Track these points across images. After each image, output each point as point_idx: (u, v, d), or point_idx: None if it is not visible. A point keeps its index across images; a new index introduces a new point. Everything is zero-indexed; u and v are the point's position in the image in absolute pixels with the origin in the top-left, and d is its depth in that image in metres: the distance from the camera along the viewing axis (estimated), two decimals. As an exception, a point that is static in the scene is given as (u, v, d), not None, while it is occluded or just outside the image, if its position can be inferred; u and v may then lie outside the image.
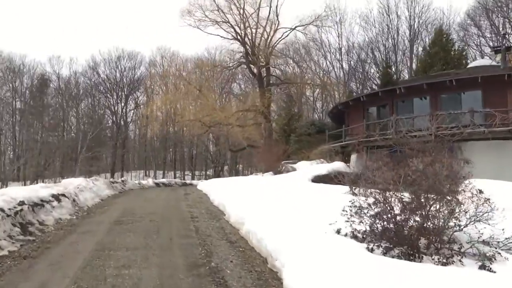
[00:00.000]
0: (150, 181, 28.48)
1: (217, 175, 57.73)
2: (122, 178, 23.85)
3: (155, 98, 47.39)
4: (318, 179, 19.66)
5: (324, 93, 43.46)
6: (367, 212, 7.18)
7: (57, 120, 60.86)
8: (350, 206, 7.44)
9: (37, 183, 54.60)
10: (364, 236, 7.13)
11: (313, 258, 5.81)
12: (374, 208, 6.96)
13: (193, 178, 64.58)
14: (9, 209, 8.84)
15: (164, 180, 32.01)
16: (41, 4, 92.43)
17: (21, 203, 9.56)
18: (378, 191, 7.47)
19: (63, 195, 12.36)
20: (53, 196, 11.65)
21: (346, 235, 7.18)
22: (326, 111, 48.10)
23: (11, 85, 58.57)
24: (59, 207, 11.26)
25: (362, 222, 7.19)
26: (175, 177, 66.24)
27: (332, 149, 22.55)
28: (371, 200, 7.51)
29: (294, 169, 22.07)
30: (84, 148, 53.55)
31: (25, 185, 52.22)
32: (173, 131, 65.59)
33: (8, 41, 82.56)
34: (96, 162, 60.89)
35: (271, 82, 29.91)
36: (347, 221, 7.25)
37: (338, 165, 20.46)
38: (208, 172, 65.46)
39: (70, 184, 15.08)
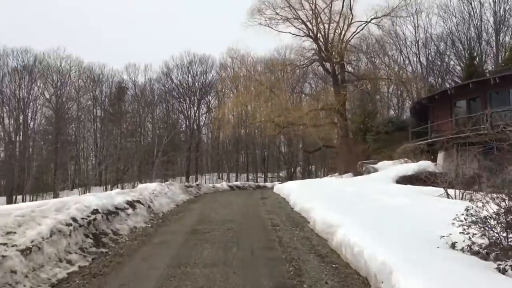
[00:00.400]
0: (224, 184, 28.03)
1: (290, 176, 56.75)
2: (197, 182, 23.51)
3: (226, 101, 47.22)
4: (403, 180, 18.09)
5: (399, 89, 41.02)
6: (492, 222, 5.87)
7: (134, 126, 62.90)
8: (465, 215, 6.15)
9: (117, 187, 56.68)
10: (488, 251, 5.80)
11: (432, 283, 4.56)
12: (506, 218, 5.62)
13: (265, 180, 64.06)
14: (82, 218, 8.35)
15: (237, 183, 31.50)
16: (117, 16, 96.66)
17: (95, 211, 9.07)
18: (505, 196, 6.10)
19: (138, 201, 11.89)
20: (128, 203, 11.19)
21: (463, 249, 5.88)
22: (402, 108, 45.60)
23: (91, 94, 61.29)
24: (134, 214, 10.75)
25: (486, 235, 5.88)
26: (248, 180, 65.98)
27: (417, 147, 20.71)
28: (493, 206, 6.16)
29: (375, 170, 20.51)
30: (160, 153, 54.74)
31: (105, 189, 54.31)
32: (245, 133, 65.48)
33: (88, 52, 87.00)
34: (171, 166, 62.16)
35: (345, 78, 28.41)
36: (463, 233, 5.98)
37: (425, 165, 18.67)
38: (280, 174, 64.70)
39: (145, 189, 14.71)
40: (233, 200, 15.28)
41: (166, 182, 18.27)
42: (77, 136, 58.76)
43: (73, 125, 58.43)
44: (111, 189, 55.19)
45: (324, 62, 28.07)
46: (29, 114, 52.43)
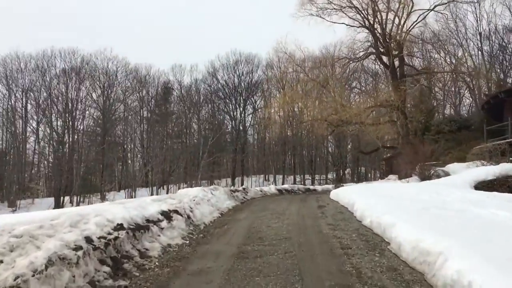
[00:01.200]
0: (272, 188, 25.96)
1: (339, 179, 53.95)
2: (243, 186, 21.57)
3: (272, 101, 45.18)
4: (483, 186, 15.47)
5: (456, 85, 37.52)
6: None
7: (180, 127, 62.01)
8: None
9: (163, 188, 55.81)
10: None
11: None
12: None
13: (313, 183, 61.57)
14: (100, 237, 6.48)
15: (286, 186, 29.36)
16: (163, 16, 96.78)
17: (119, 226, 7.20)
18: None
19: (176, 211, 10.00)
20: (163, 213, 9.31)
21: None
22: (459, 105, 41.91)
23: (138, 94, 60.92)
24: (169, 228, 8.84)
25: None
26: (295, 182, 63.78)
27: (496, 148, 17.83)
28: None
29: (446, 174, 17.82)
30: (206, 154, 53.38)
31: (152, 191, 53.61)
32: (292, 134, 63.26)
33: (134, 53, 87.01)
34: (217, 168, 60.86)
35: (405, 73, 25.63)
36: None
37: (508, 168, 15.89)
38: (328, 176, 61.98)
39: (186, 195, 12.84)
40: (285, 208, 13.11)
41: (210, 187, 16.38)
42: (124, 137, 58.47)
43: (120, 126, 58.13)
44: (157, 191, 54.42)
45: (381, 55, 25.42)
46: (77, 115, 52.41)
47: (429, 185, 14.56)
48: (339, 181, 52.16)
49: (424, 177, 17.51)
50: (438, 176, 17.70)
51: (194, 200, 12.07)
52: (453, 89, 43.46)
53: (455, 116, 35.06)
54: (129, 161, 58.45)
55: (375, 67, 38.59)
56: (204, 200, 12.77)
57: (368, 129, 22.88)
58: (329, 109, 23.67)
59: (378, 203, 10.26)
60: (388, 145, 24.32)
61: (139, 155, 61.49)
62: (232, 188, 19.21)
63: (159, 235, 8.23)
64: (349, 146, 60.54)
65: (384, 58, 25.67)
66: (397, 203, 10.15)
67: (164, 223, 8.79)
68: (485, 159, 18.03)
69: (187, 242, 8.51)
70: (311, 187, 33.16)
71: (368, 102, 24.07)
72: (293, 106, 29.00)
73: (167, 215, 9.40)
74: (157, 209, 9.39)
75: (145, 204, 9.60)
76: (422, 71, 25.48)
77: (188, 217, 10.41)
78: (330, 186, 34.75)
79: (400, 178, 23.84)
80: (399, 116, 22.43)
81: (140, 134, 61.59)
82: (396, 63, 25.41)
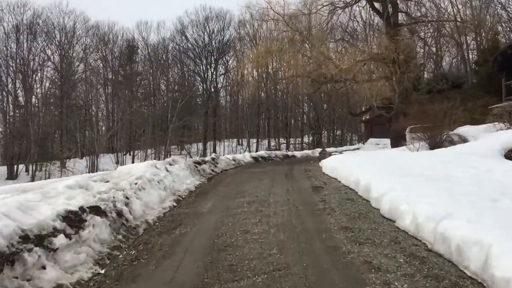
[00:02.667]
0: (247, 156, 22.19)
1: (316, 143, 50.58)
2: (213, 155, 17.61)
3: (246, 59, 40.72)
4: (515, 154, 12.03)
5: (450, 39, 33.90)
6: None
7: (147, 89, 56.99)
8: None
9: (129, 154, 51.43)
10: None
11: None
12: None
13: (288, 147, 58.09)
14: None
15: (262, 152, 25.60)
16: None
17: None
18: None
19: (96, 208, 6.09)
20: (68, 216, 5.41)
21: None
22: (451, 62, 38.48)
23: (101, 53, 55.30)
24: (71, 246, 4.95)
25: None
26: (269, 146, 60.20)
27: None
28: None
29: (461, 139, 14.34)
30: (175, 117, 49.03)
31: (117, 157, 49.19)
32: (266, 95, 59.23)
33: (95, 9, 78.66)
34: (187, 132, 56.63)
35: (399, 22, 21.79)
36: None
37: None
38: (304, 139, 58.56)
39: (126, 175, 8.91)
40: (268, 192, 9.30)
41: (167, 160, 12.45)
42: (87, 100, 53.14)
43: (81, 88, 52.73)
44: (123, 157, 50.01)
45: (373, 0, 21.38)
46: (31, 75, 46.75)
47: (450, 155, 10.99)
48: (316, 146, 48.86)
49: (435, 144, 13.96)
50: (452, 142, 14.20)
51: (136, 184, 8.14)
52: (434, 46, 39.98)
53: (447, 73, 31.72)
54: (92, 126, 53.16)
55: (366, 17, 34.53)
56: (153, 182, 8.85)
57: (360, 86, 19.08)
58: (314, 63, 19.69)
59: (414, 188, 6.57)
60: (383, 105, 20.73)
61: (102, 120, 56.49)
62: (197, 159, 15.22)
63: (42, 268, 4.33)
64: (325, 107, 56.84)
65: (377, 5, 21.67)
66: (441, 187, 6.49)
67: (60, 239, 4.87)
68: (504, 121, 14.61)
69: (101, 273, 4.66)
70: (290, 153, 29.55)
71: (357, 54, 20.07)
72: (268, 64, 24.53)
73: (75, 219, 5.48)
74: (59, 210, 5.45)
75: (38, 201, 5.63)
76: (419, 19, 21.60)
77: (119, 215, 6.51)
78: (309, 152, 31.25)
79: (396, 144, 20.39)
80: (396, 70, 18.66)
81: (105, 96, 56.39)
82: (396, 9, 21.50)
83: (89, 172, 43.02)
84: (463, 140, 14.02)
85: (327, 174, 11.64)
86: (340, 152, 17.03)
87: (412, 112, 15.42)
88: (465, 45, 35.98)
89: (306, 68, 20.48)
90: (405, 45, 20.48)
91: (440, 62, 41.14)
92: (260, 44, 30.35)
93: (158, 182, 9.10)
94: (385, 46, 19.25)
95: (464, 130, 15.10)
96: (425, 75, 37.06)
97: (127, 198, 7.24)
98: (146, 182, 8.54)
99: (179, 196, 9.36)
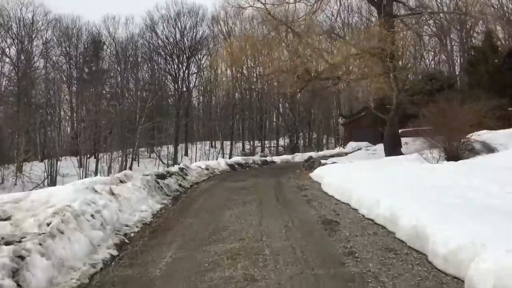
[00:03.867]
0: (222, 163, 19.13)
1: (292, 147, 47.80)
2: (181, 165, 14.39)
3: (219, 53, 37.51)
4: None
5: (441, 35, 31.56)
6: None
7: (114, 88, 53.01)
8: None
9: (94, 157, 47.28)
10: None
11: None
12: None
13: (262, 150, 55.22)
14: None
15: (238, 159, 22.50)
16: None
17: None
18: None
19: None
20: None
21: None
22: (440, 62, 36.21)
23: (64, 49, 50.96)
24: None
25: None
26: (243, 149, 57.08)
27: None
28: None
29: (485, 147, 11.67)
30: (143, 118, 45.34)
31: (80, 160, 45.12)
32: (240, 96, 56.23)
33: (59, 2, 73.10)
34: (158, 134, 53.01)
35: (394, 13, 19.18)
36: None
37: None
38: (280, 142, 55.73)
39: (42, 207, 5.72)
40: (257, 225, 6.30)
41: (116, 175, 9.23)
42: (47, 98, 48.73)
43: (41, 86, 48.38)
44: (86, 160, 45.89)
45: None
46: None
47: (496, 174, 8.15)
48: (292, 150, 46.08)
49: (452, 154, 11.22)
50: (472, 151, 11.49)
51: (49, 225, 4.98)
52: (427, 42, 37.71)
53: (434, 73, 29.40)
54: (52, 127, 48.74)
55: (358, 5, 31.68)
56: (83, 217, 5.69)
57: (354, 84, 16.23)
58: (301, 57, 16.76)
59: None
60: (376, 106, 17.95)
61: (65, 120, 52.23)
62: (160, 171, 11.99)
63: None
64: (302, 109, 54.14)
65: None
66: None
67: None
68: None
69: None
70: (268, 158, 26.55)
71: (349, 48, 17.16)
72: (243, 62, 21.20)
73: None
74: None
75: None
76: (416, 11, 18.99)
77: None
78: (289, 157, 28.36)
79: (391, 151, 17.68)
80: (395, 66, 15.93)
81: (69, 95, 52.08)
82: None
83: (47, 177, 39.23)
84: (488, 148, 11.34)
85: (331, 195, 8.67)
86: (333, 162, 14.18)
87: (427, 114, 12.63)
88: (454, 42, 33.77)
89: (291, 63, 17.53)
90: (402, 38, 17.90)
91: (430, 60, 38.77)
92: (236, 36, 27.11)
93: (92, 215, 5.95)
94: (381, 38, 16.54)
95: (488, 136, 12.41)
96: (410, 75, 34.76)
97: (21, 257, 4.09)
98: (71, 218, 5.39)
99: (126, 235, 6.22)
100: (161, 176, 10.90)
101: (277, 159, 26.78)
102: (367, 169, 9.98)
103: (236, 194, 9.90)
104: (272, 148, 55.14)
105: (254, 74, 54.28)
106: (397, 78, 16.39)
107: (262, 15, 18.10)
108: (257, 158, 24.73)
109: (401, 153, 18.74)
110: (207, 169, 16.38)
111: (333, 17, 22.24)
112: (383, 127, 28.95)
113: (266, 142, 58.18)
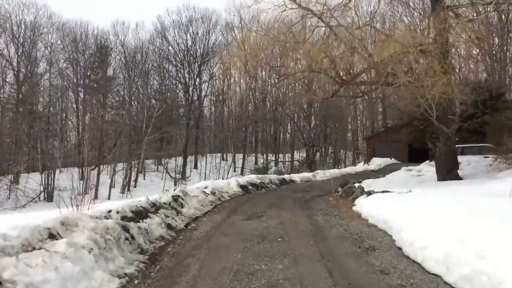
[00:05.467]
0: (232, 184, 15.20)
1: (310, 161, 43.64)
2: (177, 191, 10.26)
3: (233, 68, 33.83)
4: None
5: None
6: None
7: (122, 96, 49.57)
8: None
9: (99, 169, 43.49)
10: None
11: None
12: None
13: (276, 164, 51.22)
14: None
15: (253, 177, 18.48)
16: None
17: None
18: None
19: None
20: None
21: None
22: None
23: (71, 55, 47.64)
24: None
25: None
26: (256, 162, 53.10)
27: None
28: None
29: None
30: (150, 128, 41.72)
31: (83, 172, 41.40)
32: (254, 106, 52.42)
33: (62, 4, 69.63)
34: (166, 145, 49.37)
35: (447, 4, 15.22)
36: None
37: None
38: (295, 156, 51.61)
39: None
40: None
41: (51, 222, 5.26)
42: (50, 106, 45.41)
43: (45, 93, 45.10)
44: (88, 173, 42.06)
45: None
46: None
47: None
48: (310, 165, 41.90)
49: None
50: None
51: None
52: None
53: (482, 81, 25.22)
54: (54, 136, 45.27)
55: None
56: None
57: (415, 85, 12.08)
58: (343, 47, 12.84)
59: None
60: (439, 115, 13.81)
61: (69, 129, 48.85)
62: (136, 205, 7.88)
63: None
64: (317, 120, 49.94)
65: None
66: None
67: None
68: None
69: None
70: (286, 176, 22.48)
71: (392, 44, 13.10)
72: (260, 61, 17.04)
73: None
74: None
75: None
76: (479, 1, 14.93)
77: None
78: (309, 175, 24.33)
79: (444, 174, 13.59)
80: (459, 65, 11.92)
81: (75, 102, 48.65)
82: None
83: (44, 191, 35.61)
84: None
85: (435, 274, 4.59)
86: (384, 191, 10.13)
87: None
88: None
89: (322, 60, 13.58)
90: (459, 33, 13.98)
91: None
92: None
93: None
94: (438, 32, 12.62)
95: None
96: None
97: None
98: None
99: None
100: (138, 215, 6.98)
101: (297, 177, 22.74)
102: (475, 211, 5.93)
103: (253, 255, 5.85)
104: (286, 162, 51.09)
105: (270, 81, 50.52)
106: (462, 80, 12.33)
107: (286, 3, 14.19)
108: (273, 176, 20.69)
109: (458, 176, 14.64)
110: (213, 193, 12.44)
111: (374, 6, 17.92)
112: (421, 142, 24.66)
113: (280, 155, 54.25)
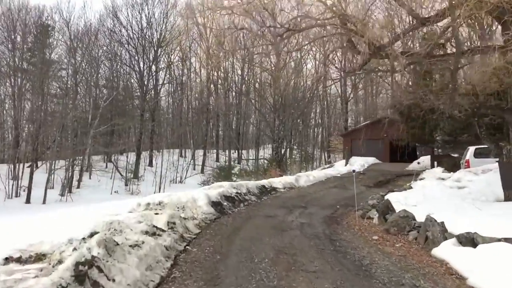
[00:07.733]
0: (201, 200, 10.07)
1: (279, 158, 38.82)
2: (92, 246, 5.03)
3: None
4: None
5: None
6: None
7: (66, 84, 42.60)
8: None
9: (36, 167, 36.72)
10: None
11: None
12: None
13: (239, 161, 46.22)
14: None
15: (226, 188, 13.19)
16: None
17: None
18: None
19: None
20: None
21: None
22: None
23: (9, 38, 40.25)
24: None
25: None
26: (217, 159, 47.88)
27: None
28: None
29: None
30: (97, 120, 35.49)
31: (14, 171, 34.54)
32: (216, 97, 47.06)
33: None
34: (117, 139, 43.13)
35: None
36: None
37: None
38: (260, 153, 46.67)
39: None
40: None
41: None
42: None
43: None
44: (22, 171, 35.24)
45: None
46: None
47: None
48: (279, 162, 37.12)
49: None
50: None
51: None
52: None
53: None
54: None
55: None
56: None
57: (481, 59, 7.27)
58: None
59: None
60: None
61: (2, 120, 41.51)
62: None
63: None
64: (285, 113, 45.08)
65: None
66: None
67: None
68: None
69: None
70: (265, 182, 17.37)
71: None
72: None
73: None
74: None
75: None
76: None
77: None
78: (291, 180, 19.36)
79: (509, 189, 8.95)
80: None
81: (11, 89, 41.25)
82: None
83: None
84: None
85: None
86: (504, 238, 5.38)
87: None
88: None
89: (336, 19, 8.54)
90: None
91: None
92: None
93: None
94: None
95: None
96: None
97: None
98: None
99: None
100: None
101: (278, 183, 17.67)
102: None
103: None
104: (250, 160, 46.00)
105: (234, 70, 45.28)
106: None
107: None
108: (251, 184, 15.49)
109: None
110: (171, 226, 7.22)
111: None
112: (418, 140, 20.65)
113: (244, 152, 49.30)
